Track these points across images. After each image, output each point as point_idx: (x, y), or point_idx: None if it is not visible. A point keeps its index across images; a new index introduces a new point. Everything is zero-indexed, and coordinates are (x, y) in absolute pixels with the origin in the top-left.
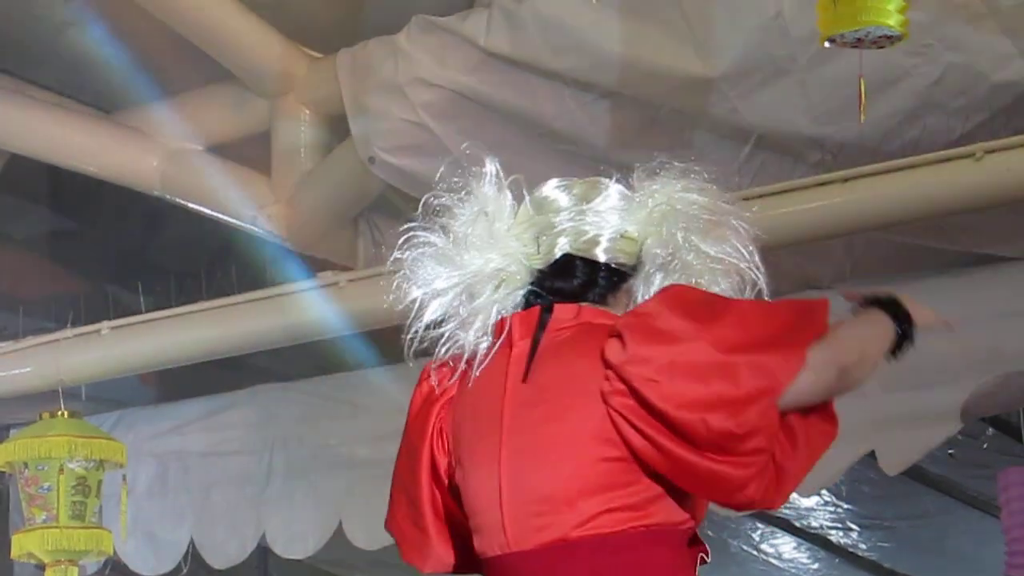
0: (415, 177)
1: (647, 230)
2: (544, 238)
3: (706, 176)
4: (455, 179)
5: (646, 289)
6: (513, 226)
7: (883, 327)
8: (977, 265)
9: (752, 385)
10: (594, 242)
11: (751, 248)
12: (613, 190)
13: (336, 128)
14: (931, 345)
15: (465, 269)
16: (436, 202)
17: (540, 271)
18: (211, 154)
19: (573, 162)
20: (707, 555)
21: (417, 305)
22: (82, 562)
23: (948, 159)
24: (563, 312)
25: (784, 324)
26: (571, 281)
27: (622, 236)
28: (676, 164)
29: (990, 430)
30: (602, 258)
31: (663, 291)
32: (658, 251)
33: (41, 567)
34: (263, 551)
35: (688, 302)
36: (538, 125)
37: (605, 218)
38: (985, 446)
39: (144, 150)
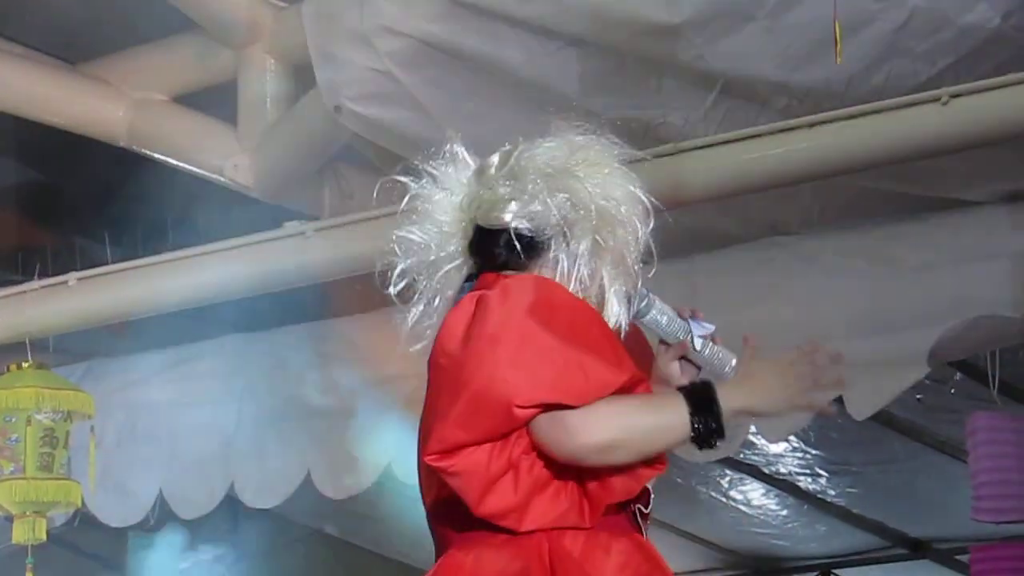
0: (381, 126)
1: (542, 196)
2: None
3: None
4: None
5: (570, 257)
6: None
7: (672, 421)
8: (944, 209)
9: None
10: (494, 212)
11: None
12: (516, 157)
13: (302, 78)
14: (898, 290)
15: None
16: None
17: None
18: (177, 105)
19: (540, 110)
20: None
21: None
22: (50, 513)
23: (914, 104)
24: (482, 282)
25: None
26: (484, 253)
27: (520, 203)
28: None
29: (958, 375)
30: (508, 225)
31: (506, 287)
32: (556, 215)
33: (9, 519)
34: (233, 502)
35: (491, 306)
36: (504, 73)
37: (509, 186)
38: (953, 391)
39: (110, 101)
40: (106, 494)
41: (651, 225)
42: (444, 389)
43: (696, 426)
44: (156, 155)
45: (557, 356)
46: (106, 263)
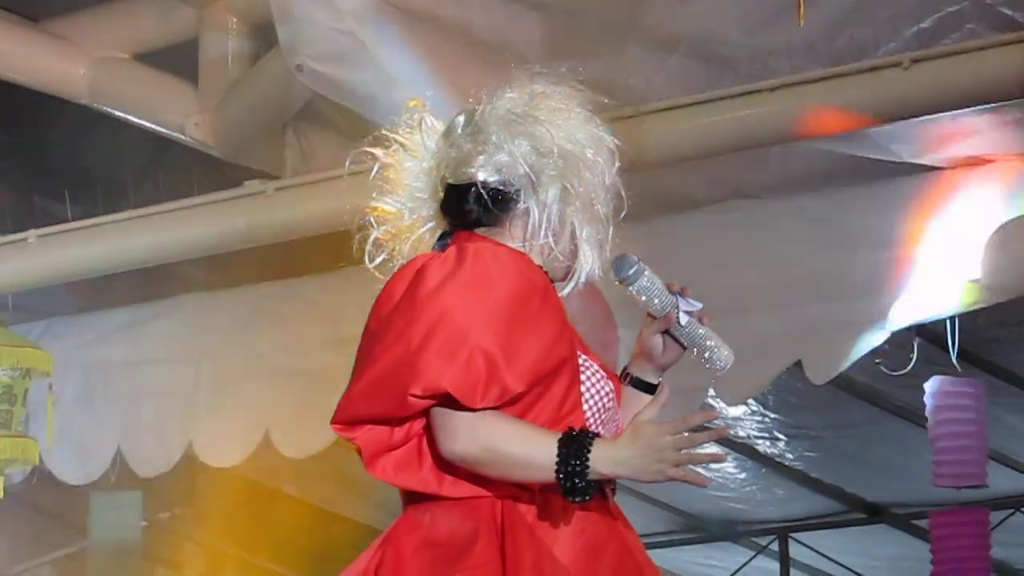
0: (343, 85)
1: (506, 145)
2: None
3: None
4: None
5: (539, 206)
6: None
7: (539, 461)
8: (905, 175)
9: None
10: (461, 167)
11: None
12: (479, 113)
13: (264, 37)
14: (857, 254)
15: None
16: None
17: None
18: (138, 63)
19: (503, 72)
20: None
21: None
22: (8, 471)
23: (876, 68)
24: (455, 240)
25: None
26: (456, 211)
27: (485, 155)
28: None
29: (917, 340)
30: (475, 179)
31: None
32: (522, 164)
33: None
34: (192, 460)
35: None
36: (467, 35)
37: (473, 140)
38: (912, 356)
39: (72, 59)
40: (64, 452)
41: (617, 167)
42: (362, 356)
43: (559, 475)
44: (117, 113)
45: (468, 346)
46: (66, 221)
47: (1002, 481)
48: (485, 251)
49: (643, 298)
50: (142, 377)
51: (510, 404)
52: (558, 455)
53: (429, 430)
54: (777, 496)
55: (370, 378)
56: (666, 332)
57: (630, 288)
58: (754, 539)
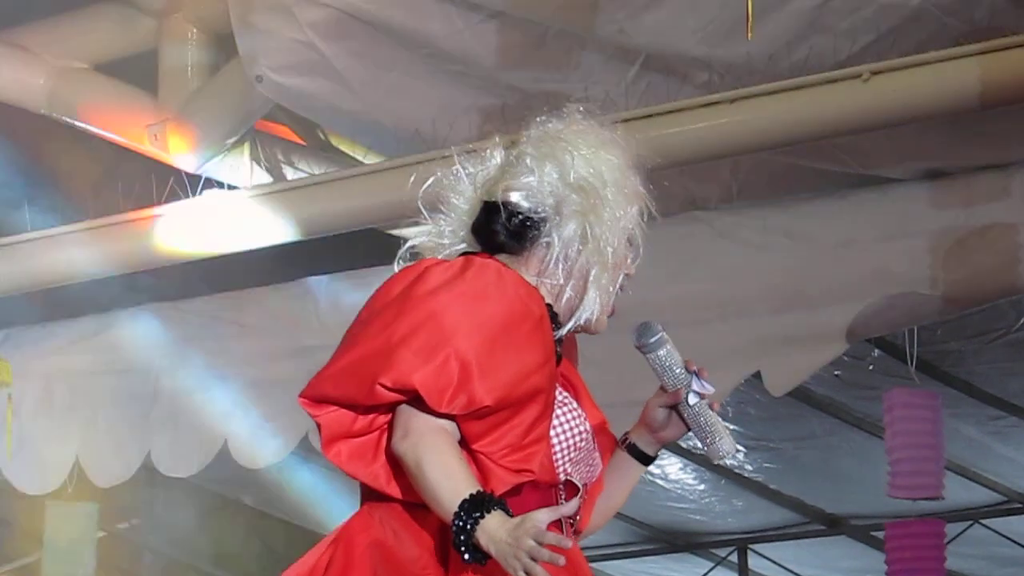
0: (302, 96)
1: (535, 166)
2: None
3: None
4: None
5: (560, 241)
6: None
7: (444, 503)
8: (864, 187)
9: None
10: (493, 184)
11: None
12: (525, 137)
13: (224, 47)
14: (817, 266)
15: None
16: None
17: None
18: (98, 73)
19: (462, 83)
20: None
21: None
22: None
23: (835, 80)
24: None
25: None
26: (484, 232)
27: (513, 174)
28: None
29: (876, 351)
30: (505, 198)
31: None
32: (548, 189)
33: None
34: (150, 470)
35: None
36: (426, 45)
37: (508, 162)
38: (871, 367)
39: (31, 69)
40: (22, 461)
41: (640, 212)
42: (345, 340)
43: (453, 526)
44: (77, 123)
45: (447, 350)
46: (25, 231)
47: (959, 493)
48: (490, 267)
49: (658, 369)
50: (101, 387)
51: (476, 418)
52: (460, 507)
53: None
54: (736, 507)
55: (346, 361)
56: (673, 408)
57: (648, 356)
58: (713, 550)
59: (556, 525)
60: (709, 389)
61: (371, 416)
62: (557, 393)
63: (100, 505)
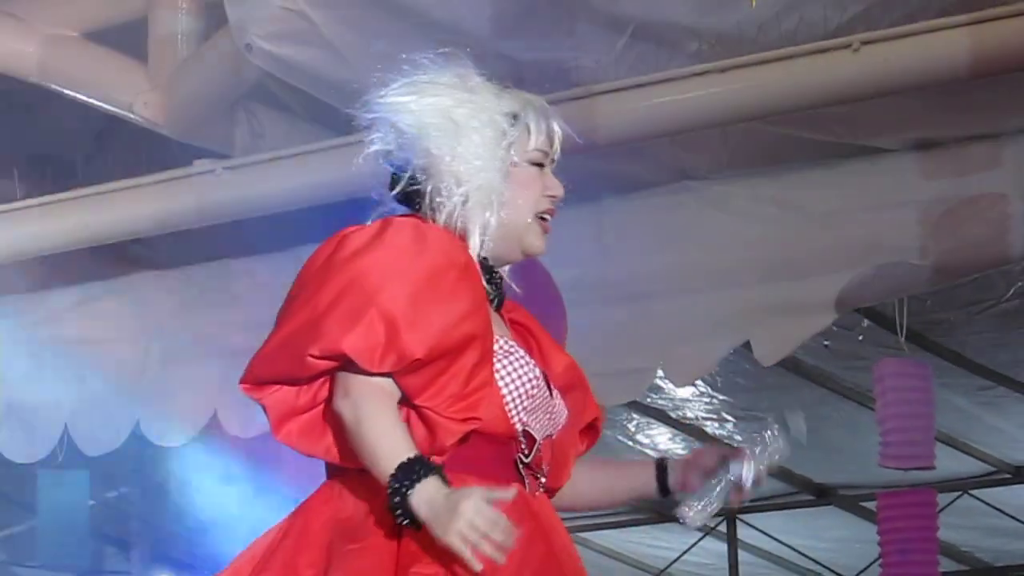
0: (292, 65)
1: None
2: None
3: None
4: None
5: (436, 191)
6: None
7: (384, 461)
8: (854, 156)
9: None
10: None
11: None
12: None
13: (213, 15)
14: (807, 236)
15: None
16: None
17: None
18: (88, 41)
19: (452, 52)
20: None
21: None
22: None
23: (825, 50)
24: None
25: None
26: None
27: (381, 147)
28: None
29: (865, 321)
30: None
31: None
32: (405, 149)
33: None
34: (139, 439)
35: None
36: (417, 14)
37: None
38: (860, 337)
39: (20, 37)
40: (11, 430)
41: (520, 126)
42: (278, 317)
43: (388, 488)
44: (67, 91)
45: (372, 311)
46: (15, 199)
47: (949, 463)
48: (407, 224)
49: (764, 461)
50: (90, 356)
51: (412, 372)
52: (396, 468)
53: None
54: None
55: (277, 339)
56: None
57: (774, 445)
58: None
59: (516, 476)
60: (749, 480)
61: (313, 389)
62: (503, 343)
63: (89, 473)
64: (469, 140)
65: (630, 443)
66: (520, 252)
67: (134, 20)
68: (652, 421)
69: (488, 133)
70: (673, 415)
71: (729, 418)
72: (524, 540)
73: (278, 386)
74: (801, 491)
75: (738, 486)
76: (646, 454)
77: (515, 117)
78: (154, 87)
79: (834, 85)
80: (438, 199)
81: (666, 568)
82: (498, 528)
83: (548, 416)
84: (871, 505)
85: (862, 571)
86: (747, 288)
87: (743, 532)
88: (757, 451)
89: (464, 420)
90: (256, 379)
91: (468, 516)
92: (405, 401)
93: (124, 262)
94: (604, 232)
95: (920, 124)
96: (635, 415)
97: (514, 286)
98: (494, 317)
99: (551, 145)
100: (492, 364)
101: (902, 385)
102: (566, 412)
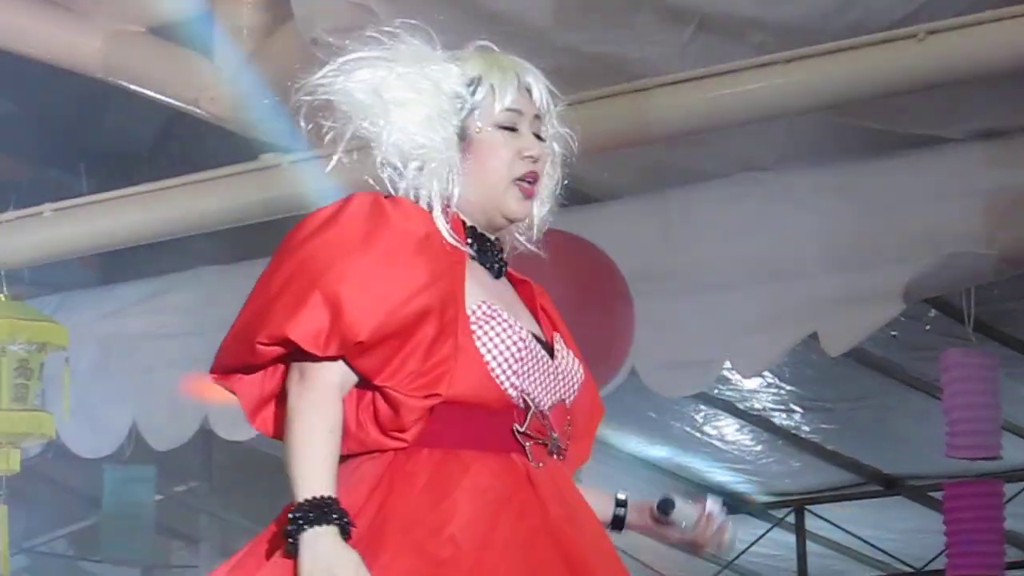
0: None
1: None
2: None
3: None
4: None
5: (390, 166)
6: None
7: (296, 481)
8: (919, 146)
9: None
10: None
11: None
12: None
13: (278, 9)
14: (873, 227)
15: None
16: None
17: None
18: (153, 36)
19: (515, 45)
20: None
21: None
22: (23, 445)
23: (890, 40)
24: None
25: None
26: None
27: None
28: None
29: (933, 311)
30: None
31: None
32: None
33: None
34: (207, 434)
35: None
36: (480, 7)
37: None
38: (927, 327)
39: (86, 32)
40: (79, 426)
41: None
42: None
43: (291, 514)
44: (132, 86)
45: (316, 294)
46: (81, 194)
47: (1016, 453)
48: (366, 199)
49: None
50: (157, 350)
51: (363, 354)
52: (307, 502)
53: None
54: (793, 468)
55: (235, 327)
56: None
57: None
58: (770, 511)
59: (514, 446)
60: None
61: (277, 375)
62: (485, 307)
63: (156, 468)
64: (407, 112)
65: (698, 435)
66: (502, 218)
67: (199, 15)
68: (720, 412)
69: (432, 102)
70: (740, 406)
71: (797, 408)
72: (512, 514)
73: (243, 376)
74: (869, 481)
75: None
76: (714, 445)
77: (477, 82)
78: (220, 82)
79: (899, 75)
80: (390, 172)
81: (735, 559)
82: None
83: (553, 379)
84: (939, 495)
85: (929, 561)
86: (814, 279)
87: (811, 523)
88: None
89: (426, 397)
90: (222, 368)
91: None
92: (367, 384)
93: (191, 256)
94: (670, 223)
95: (985, 113)
96: (702, 407)
97: (541, 253)
98: (489, 285)
99: (527, 104)
100: (455, 336)
101: (969, 375)
102: (581, 373)
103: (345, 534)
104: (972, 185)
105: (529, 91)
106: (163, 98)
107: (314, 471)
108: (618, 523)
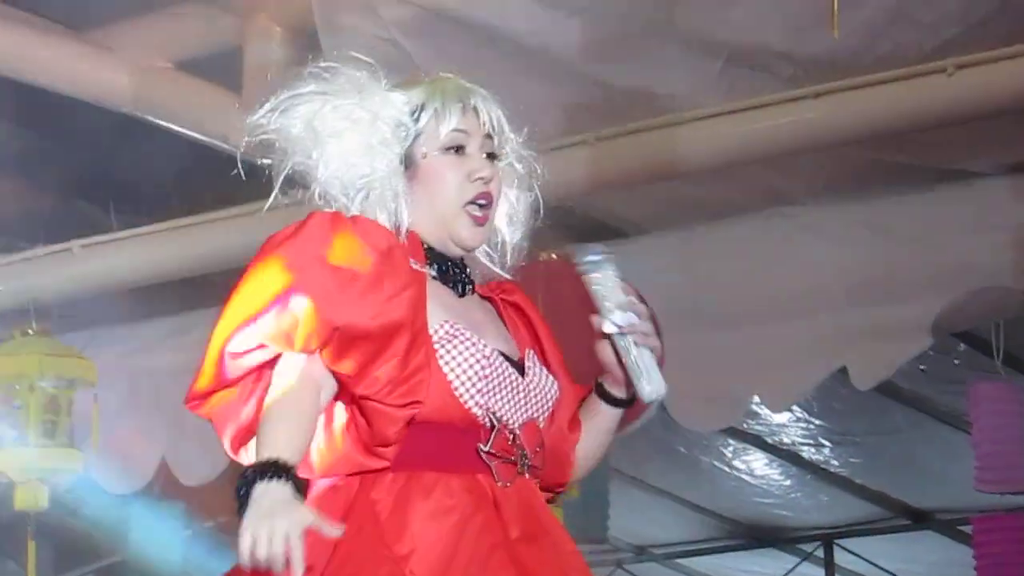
0: None
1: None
2: None
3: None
4: None
5: (329, 195)
6: None
7: (261, 441)
8: (947, 180)
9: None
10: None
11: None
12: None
13: (307, 45)
14: (901, 261)
15: None
16: None
17: None
18: (182, 72)
19: (545, 79)
20: None
21: None
22: (53, 480)
23: (919, 74)
24: None
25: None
26: None
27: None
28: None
29: (961, 345)
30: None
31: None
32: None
33: (11, 485)
34: (237, 468)
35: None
36: (510, 42)
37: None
38: (956, 361)
39: (115, 68)
40: (108, 461)
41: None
42: None
43: (243, 473)
44: (160, 122)
45: (282, 301)
46: (110, 230)
47: None
48: (326, 215)
49: (594, 297)
50: (185, 386)
51: (340, 350)
52: (254, 463)
53: None
54: (822, 502)
55: (207, 353)
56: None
57: (584, 279)
58: (799, 545)
59: (480, 466)
60: (627, 321)
61: (252, 401)
62: (448, 327)
63: (186, 504)
64: (342, 143)
65: (727, 469)
66: (455, 247)
67: (228, 50)
68: (749, 447)
69: (369, 131)
70: (769, 440)
71: (826, 443)
72: (472, 535)
73: (219, 394)
74: (898, 515)
75: (623, 329)
76: (742, 479)
77: (420, 108)
78: (248, 117)
79: (928, 109)
80: (336, 205)
81: None
82: (277, 557)
83: (524, 397)
84: (969, 529)
85: None
86: (842, 312)
87: (840, 556)
88: (599, 291)
89: (405, 405)
90: (193, 396)
91: (274, 524)
92: (350, 398)
93: (219, 292)
94: (699, 258)
95: (1014, 147)
96: (731, 441)
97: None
98: (452, 304)
99: (473, 124)
100: (426, 349)
101: (998, 409)
102: (554, 390)
103: (299, 493)
104: (1001, 219)
105: (477, 111)
106: (192, 133)
107: (273, 436)
108: (604, 394)
